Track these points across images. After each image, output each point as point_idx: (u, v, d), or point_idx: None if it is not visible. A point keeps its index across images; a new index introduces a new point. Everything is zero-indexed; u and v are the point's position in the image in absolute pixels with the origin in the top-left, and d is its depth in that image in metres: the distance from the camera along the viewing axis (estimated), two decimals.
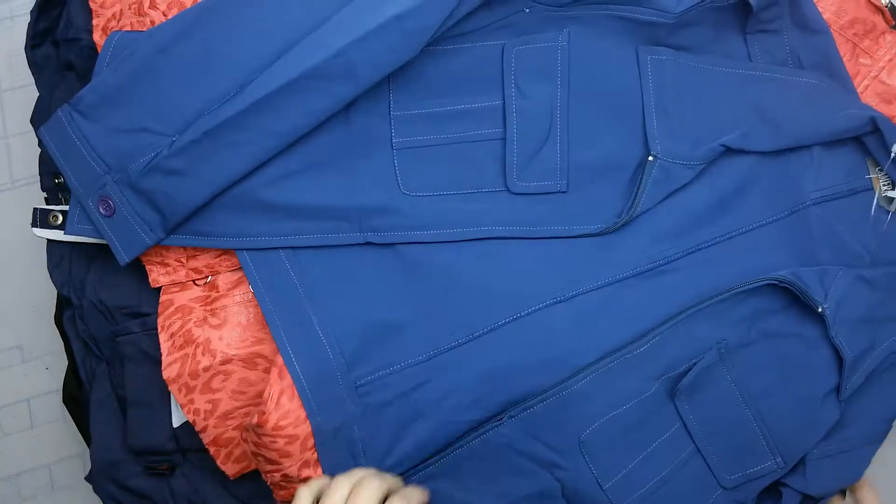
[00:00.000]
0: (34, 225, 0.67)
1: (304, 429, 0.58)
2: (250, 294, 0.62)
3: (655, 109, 0.61)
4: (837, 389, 0.61)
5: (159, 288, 0.64)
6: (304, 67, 0.56)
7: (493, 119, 0.62)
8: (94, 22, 0.65)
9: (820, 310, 0.59)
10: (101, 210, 0.60)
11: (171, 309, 0.64)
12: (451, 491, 0.59)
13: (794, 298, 0.60)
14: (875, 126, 0.60)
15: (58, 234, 0.66)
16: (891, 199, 0.63)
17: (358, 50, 0.56)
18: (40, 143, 0.68)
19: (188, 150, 0.58)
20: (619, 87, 0.62)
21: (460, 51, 0.61)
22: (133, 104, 0.59)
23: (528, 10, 0.61)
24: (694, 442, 0.60)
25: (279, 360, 0.59)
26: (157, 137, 0.59)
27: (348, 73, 0.57)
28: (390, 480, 0.53)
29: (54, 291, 0.69)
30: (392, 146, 0.62)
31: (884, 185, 0.63)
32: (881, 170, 0.62)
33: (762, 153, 0.62)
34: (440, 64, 0.60)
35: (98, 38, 0.65)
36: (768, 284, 0.59)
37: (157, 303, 0.64)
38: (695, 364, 0.60)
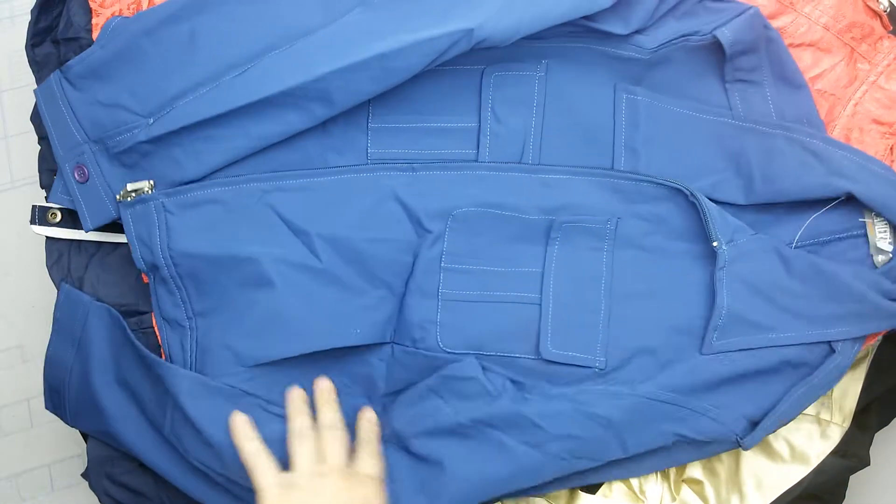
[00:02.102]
0: (33, 222, 0.67)
1: None
2: None
3: (625, 148, 0.62)
4: (701, 341, 0.59)
5: None
6: (284, 86, 0.57)
7: (467, 140, 0.62)
8: (94, 21, 0.66)
9: (715, 244, 0.58)
10: (76, 176, 0.62)
11: None
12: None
13: (699, 231, 0.59)
14: (851, 197, 0.58)
15: (56, 232, 0.67)
16: (879, 250, 0.59)
17: (338, 79, 0.57)
18: (40, 141, 0.68)
19: (164, 139, 0.60)
20: (593, 122, 0.62)
21: (441, 72, 0.61)
22: (115, 80, 0.61)
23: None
24: (541, 294, 0.59)
25: None
26: (131, 116, 0.61)
27: (325, 97, 0.58)
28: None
29: (54, 291, 0.69)
30: (367, 157, 0.62)
31: (880, 234, 0.59)
32: (877, 215, 0.58)
33: (733, 205, 0.61)
34: (420, 82, 0.61)
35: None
36: (686, 200, 0.59)
37: None
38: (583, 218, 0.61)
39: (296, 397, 0.59)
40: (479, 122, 0.62)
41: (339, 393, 0.61)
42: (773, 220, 0.61)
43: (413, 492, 0.58)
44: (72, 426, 0.66)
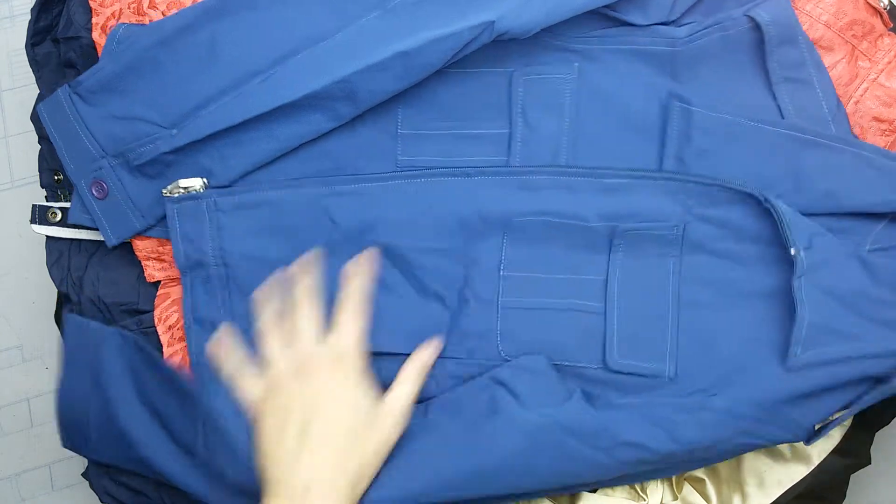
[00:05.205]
0: (33, 221, 0.67)
1: None
2: None
3: (674, 159, 0.59)
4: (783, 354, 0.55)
5: (157, 285, 0.65)
6: (309, 90, 0.57)
7: (498, 146, 0.61)
8: (94, 20, 0.66)
9: (793, 251, 0.54)
10: (94, 192, 0.62)
11: (168, 301, 0.64)
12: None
13: (774, 235, 0.56)
14: None
15: (56, 231, 0.67)
16: None
17: (361, 79, 0.57)
18: (40, 141, 0.68)
19: (188, 148, 0.60)
20: (632, 125, 0.60)
21: (469, 75, 0.61)
22: (130, 93, 0.61)
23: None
24: (605, 302, 0.58)
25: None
26: (151, 127, 0.60)
27: (349, 96, 0.58)
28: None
29: (54, 291, 0.69)
30: (397, 164, 0.62)
31: None
32: None
33: None
34: (450, 87, 0.61)
35: (97, 36, 0.66)
36: (761, 207, 0.56)
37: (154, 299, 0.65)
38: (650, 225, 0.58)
39: (256, 298, 0.58)
40: (511, 127, 0.61)
41: None
42: (837, 228, 0.58)
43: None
44: (93, 459, 0.64)
